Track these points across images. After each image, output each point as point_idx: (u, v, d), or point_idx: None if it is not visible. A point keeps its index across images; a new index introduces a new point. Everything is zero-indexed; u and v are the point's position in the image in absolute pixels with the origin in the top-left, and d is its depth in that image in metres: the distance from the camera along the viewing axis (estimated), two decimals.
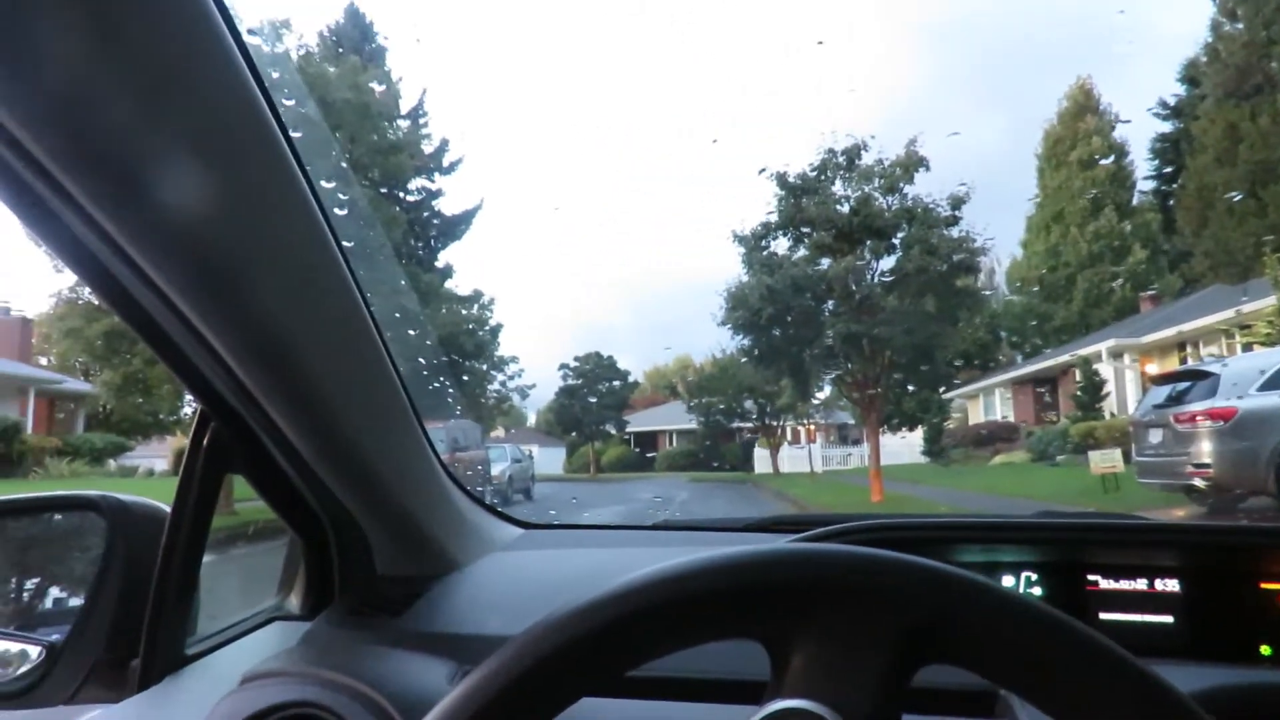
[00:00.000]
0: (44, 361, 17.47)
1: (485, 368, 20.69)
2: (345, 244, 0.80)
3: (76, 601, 1.10)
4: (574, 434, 30.30)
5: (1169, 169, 27.04)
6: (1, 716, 0.97)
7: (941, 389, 19.02)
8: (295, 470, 0.99)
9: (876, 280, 13.93)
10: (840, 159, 14.12)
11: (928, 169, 14.00)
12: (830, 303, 14.07)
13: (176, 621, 0.98)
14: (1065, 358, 18.84)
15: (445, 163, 21.53)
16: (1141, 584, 1.03)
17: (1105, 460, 10.16)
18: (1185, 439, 7.73)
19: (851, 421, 24.70)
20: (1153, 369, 16.00)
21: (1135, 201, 27.84)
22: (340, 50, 18.44)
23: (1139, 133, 29.10)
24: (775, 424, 24.79)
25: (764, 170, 14.23)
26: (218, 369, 0.81)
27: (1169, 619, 1.01)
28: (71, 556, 1.25)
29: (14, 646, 1.05)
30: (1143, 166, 28.55)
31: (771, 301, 13.67)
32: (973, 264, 14.34)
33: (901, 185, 13.95)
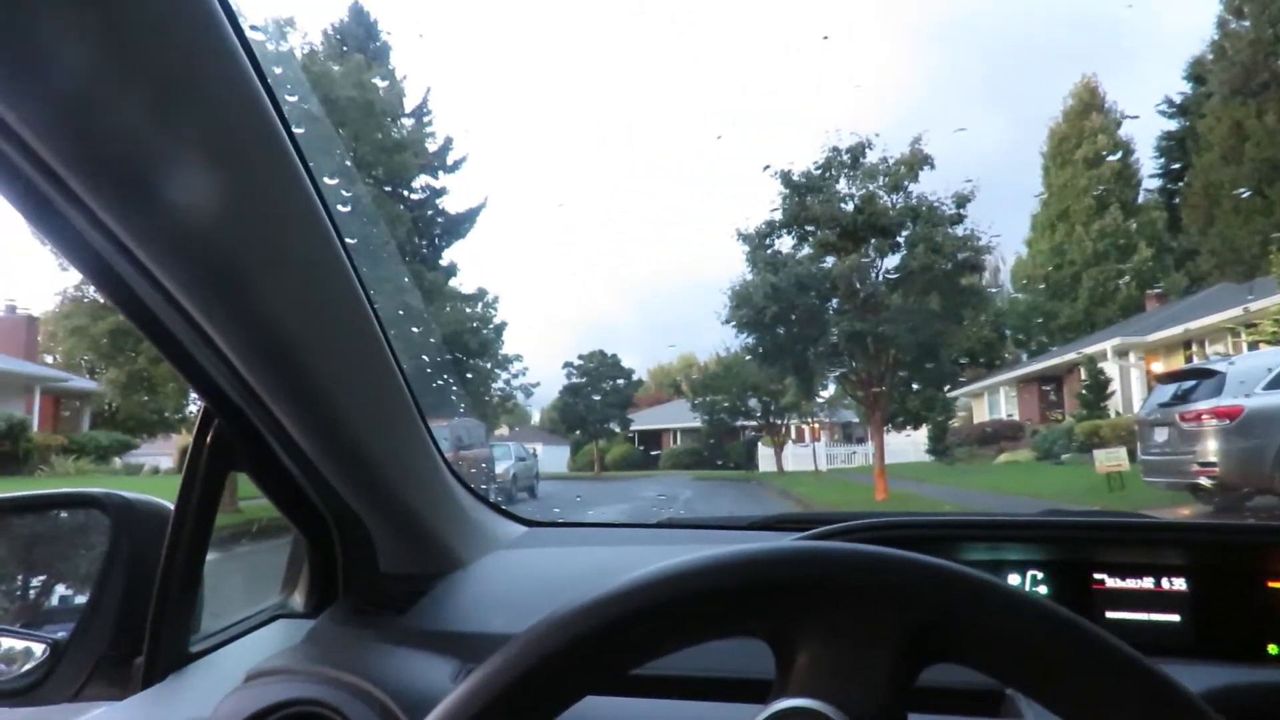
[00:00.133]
0: (50, 359, 17.54)
1: (489, 366, 20.72)
2: (349, 242, 0.80)
3: (81, 599, 1.10)
4: (578, 432, 30.32)
5: (1175, 167, 26.97)
6: (6, 714, 0.97)
7: (946, 387, 19.00)
8: (299, 468, 0.99)
9: (881, 278, 13.92)
10: (845, 157, 14.10)
11: (932, 167, 13.99)
12: (835, 301, 14.06)
13: (180, 619, 0.98)
14: (1070, 356, 18.79)
15: (449, 161, 21.60)
16: (1148, 583, 1.03)
17: (1110, 459, 10.15)
18: (1191, 438, 7.71)
19: (856, 420, 24.68)
20: (1158, 367, 15.95)
21: (1141, 199, 27.79)
22: (345, 48, 18.48)
23: (1145, 130, 29.03)
24: (780, 422, 24.78)
25: (768, 168, 14.23)
26: (221, 367, 0.81)
27: (1176, 618, 1.01)
28: (76, 554, 1.25)
29: (19, 644, 1.05)
30: (1148, 164, 28.53)
31: (776, 300, 13.66)
32: (978, 262, 14.31)
33: (906, 183, 13.93)
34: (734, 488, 18.44)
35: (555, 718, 0.46)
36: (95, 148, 0.57)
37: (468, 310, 19.94)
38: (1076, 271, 26.05)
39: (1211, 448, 7.47)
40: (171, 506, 0.98)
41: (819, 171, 14.14)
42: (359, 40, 19.87)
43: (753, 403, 24.49)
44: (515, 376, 22.21)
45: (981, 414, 23.74)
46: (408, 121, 20.11)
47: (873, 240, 13.74)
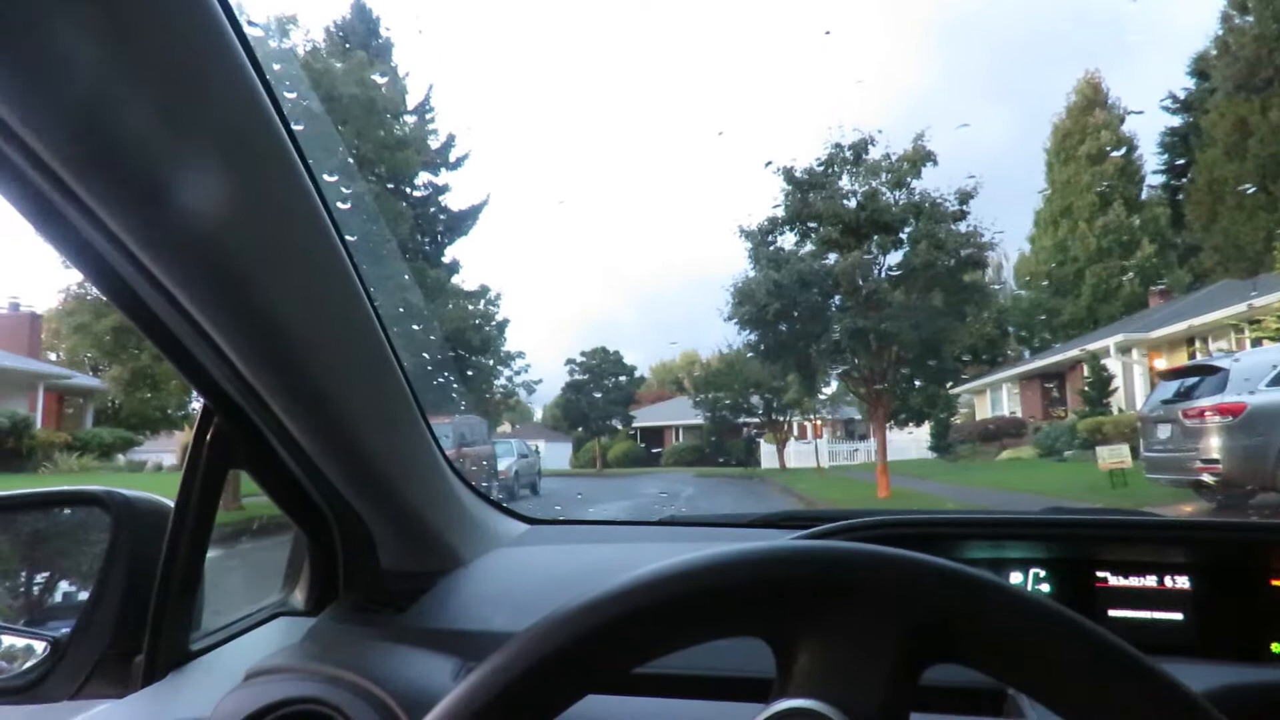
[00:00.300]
0: (53, 357, 17.59)
1: (492, 363, 20.73)
2: (349, 239, 0.80)
3: (83, 596, 1.10)
4: (580, 429, 30.33)
5: (1178, 163, 26.90)
6: (8, 712, 0.97)
7: (949, 384, 18.96)
8: (299, 466, 0.99)
9: (883, 275, 13.88)
10: (847, 153, 14.06)
11: (935, 163, 13.94)
12: (837, 298, 14.03)
13: (181, 617, 0.98)
14: (1073, 353, 18.77)
15: (452, 158, 21.62)
16: (1151, 581, 1.02)
17: (1113, 456, 10.14)
18: (1194, 434, 7.70)
19: (858, 417, 24.67)
20: (1161, 364, 15.91)
21: (1144, 196, 27.70)
22: (347, 46, 18.46)
23: (1148, 127, 28.98)
24: (782, 419, 24.78)
25: (769, 164, 14.19)
26: (220, 365, 0.81)
27: (1178, 616, 1.01)
28: (77, 552, 1.25)
29: (20, 641, 1.05)
30: (1152, 160, 28.44)
31: (778, 297, 13.64)
32: (980, 259, 14.27)
33: (909, 180, 13.88)
34: (736, 485, 18.44)
35: (556, 716, 0.46)
36: (93, 147, 0.57)
37: (470, 307, 19.95)
38: (1079, 268, 26.00)
39: (1214, 445, 7.46)
40: (172, 504, 0.98)
41: (822, 168, 14.11)
42: (361, 37, 19.86)
43: (755, 400, 24.50)
44: (518, 373, 22.25)
45: (984, 411, 23.72)
46: (410, 119, 20.12)
47: (875, 237, 13.71)
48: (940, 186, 13.93)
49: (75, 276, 11.89)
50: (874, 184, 13.96)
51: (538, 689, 0.45)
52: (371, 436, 0.96)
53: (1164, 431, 8.33)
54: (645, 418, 32.04)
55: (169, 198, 0.61)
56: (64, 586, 1.27)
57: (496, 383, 21.56)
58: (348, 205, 0.92)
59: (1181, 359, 15.25)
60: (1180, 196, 25.28)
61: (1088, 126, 27.47)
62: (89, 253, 0.68)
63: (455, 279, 20.29)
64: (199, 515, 0.97)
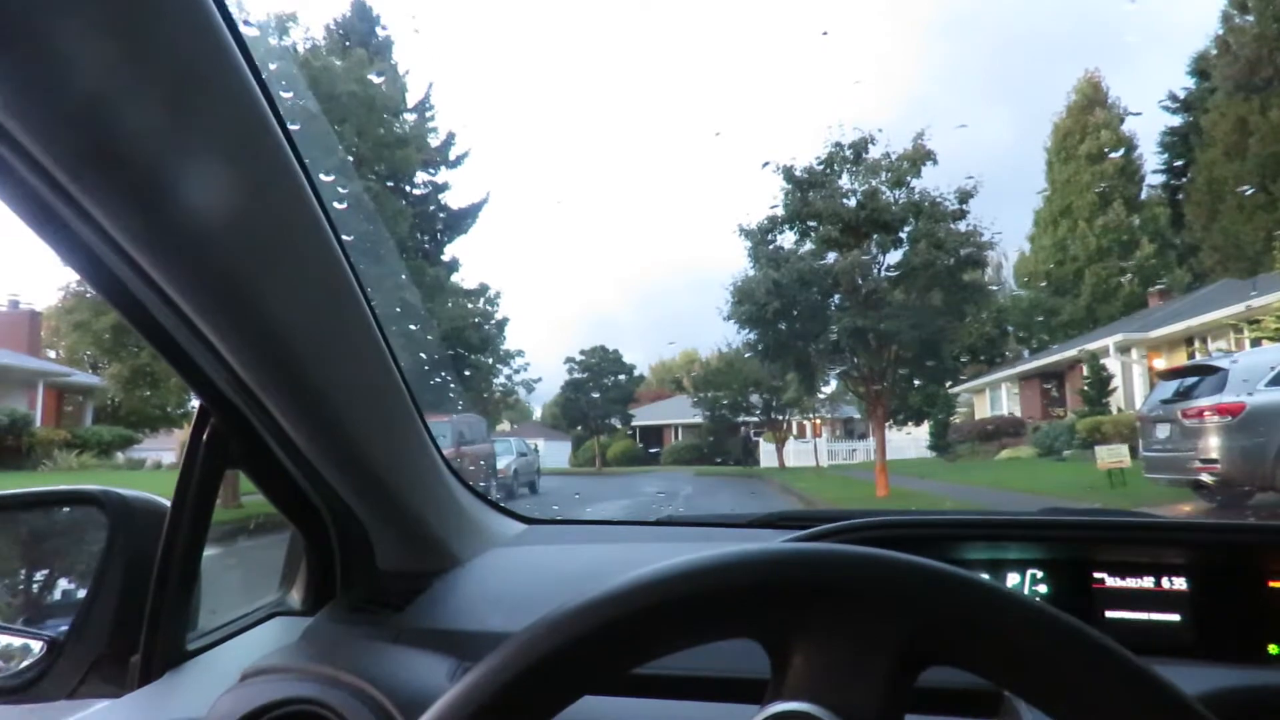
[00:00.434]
0: (52, 354, 17.56)
1: (491, 361, 20.70)
2: (346, 239, 0.80)
3: (80, 596, 1.10)
4: (579, 428, 30.30)
5: (1178, 163, 26.87)
6: (5, 711, 0.97)
7: (948, 384, 18.97)
8: (295, 465, 0.99)
9: (883, 274, 13.87)
10: (847, 152, 14.04)
11: (935, 163, 13.92)
12: (836, 297, 14.03)
13: (177, 617, 0.98)
14: (1072, 353, 18.76)
15: (452, 156, 21.57)
16: (1148, 582, 1.02)
17: (1112, 455, 10.14)
18: (1193, 434, 7.70)
19: (857, 416, 24.67)
20: (1160, 364, 15.92)
21: (1144, 195, 27.68)
22: (347, 44, 18.44)
23: (1148, 126, 28.97)
24: (781, 418, 24.77)
25: (767, 164, 14.17)
26: (216, 364, 0.81)
27: (1176, 617, 1.01)
28: (74, 551, 1.25)
29: (16, 641, 1.05)
30: (1152, 160, 28.42)
31: (777, 296, 13.63)
32: (980, 258, 14.26)
33: (909, 179, 13.87)
34: (735, 484, 18.44)
35: (552, 717, 0.46)
36: (87, 147, 0.57)
37: (470, 306, 19.93)
38: (1079, 268, 25.99)
39: (1213, 444, 7.45)
40: (168, 504, 0.98)
41: (821, 166, 14.10)
42: (361, 35, 19.83)
43: (754, 399, 24.47)
44: (517, 372, 22.20)
45: (983, 410, 23.71)
46: (410, 116, 20.08)
47: (875, 236, 13.70)
48: (940, 186, 13.93)
49: (74, 274, 11.87)
50: (874, 183, 13.94)
51: (534, 690, 0.45)
52: (368, 436, 0.96)
53: (1163, 431, 8.33)
54: (644, 416, 32.02)
55: (163, 198, 0.61)
56: (61, 586, 1.27)
57: (496, 381, 21.54)
58: (344, 205, 0.92)
59: (1181, 359, 15.25)
60: (1180, 196, 25.28)
61: (1088, 126, 27.44)
62: (84, 253, 0.68)
63: (455, 277, 20.27)
64: (195, 515, 0.97)
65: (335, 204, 0.78)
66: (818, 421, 26.23)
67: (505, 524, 1.43)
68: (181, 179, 0.61)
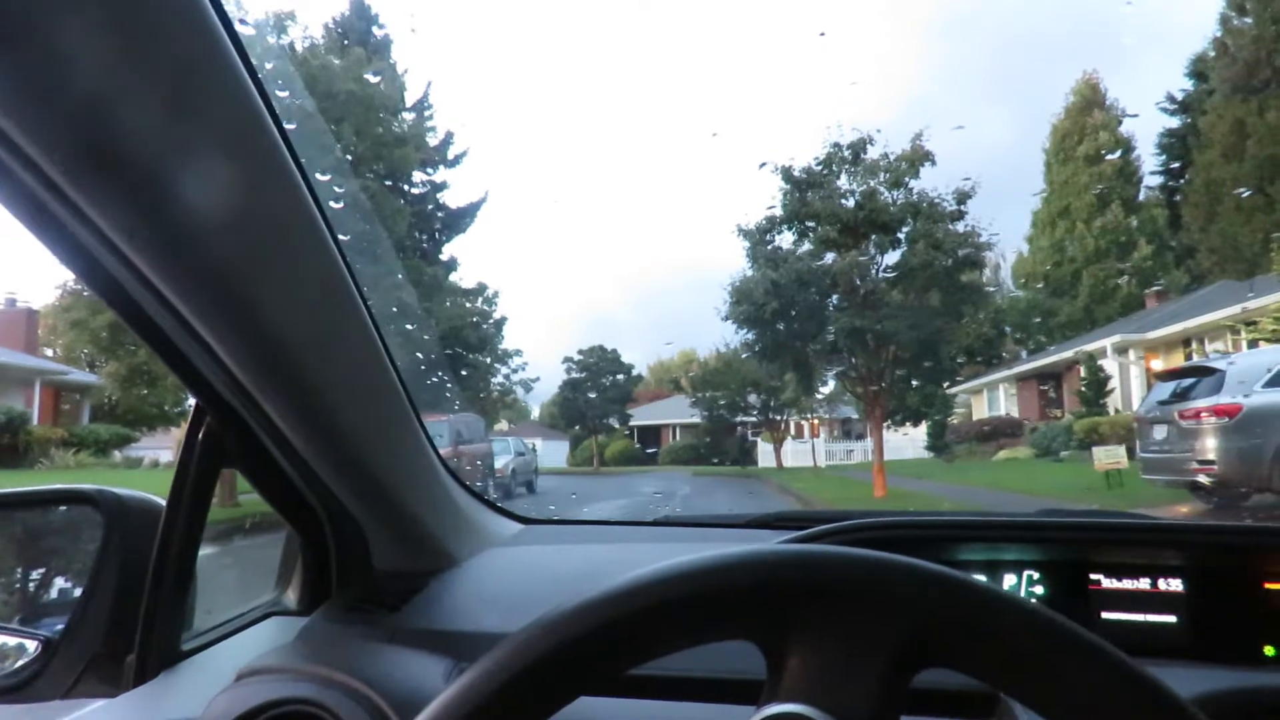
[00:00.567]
0: (50, 353, 17.54)
1: (489, 361, 20.70)
2: (342, 238, 0.80)
3: (75, 595, 1.10)
4: (577, 428, 30.30)
5: (1176, 164, 26.91)
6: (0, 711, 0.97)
7: (945, 384, 18.97)
8: (291, 465, 0.99)
9: (881, 275, 13.89)
10: (845, 153, 14.06)
11: (933, 163, 13.93)
12: (834, 297, 14.04)
13: (172, 616, 0.98)
14: (1070, 354, 18.78)
15: (450, 155, 21.57)
16: (1144, 583, 1.02)
17: (1109, 456, 10.15)
18: (1190, 435, 7.71)
19: (855, 416, 24.67)
20: (1158, 365, 15.94)
21: (1141, 197, 27.72)
22: (345, 43, 18.42)
23: (1146, 128, 28.97)
24: (779, 418, 24.78)
25: (764, 165, 14.18)
26: (211, 363, 0.81)
27: (1172, 619, 1.01)
28: (69, 551, 1.25)
29: (11, 640, 1.05)
30: (1149, 161, 28.47)
31: (776, 296, 13.64)
32: (978, 259, 14.28)
33: (907, 180, 13.89)
34: (732, 484, 18.45)
35: (548, 718, 0.46)
36: (82, 146, 0.57)
37: (468, 305, 19.93)
38: (1077, 269, 26.01)
39: (1210, 446, 7.46)
40: (164, 503, 0.98)
41: (820, 167, 14.11)
42: (359, 34, 19.82)
43: (752, 399, 24.47)
44: (515, 371, 22.21)
45: (981, 411, 23.73)
46: (408, 116, 20.07)
47: (873, 236, 13.71)
48: (938, 186, 13.95)
49: (71, 273, 11.84)
50: (872, 183, 13.96)
51: (530, 690, 0.45)
52: (365, 435, 0.96)
53: (1160, 432, 8.34)
54: (642, 416, 32.02)
55: (159, 197, 0.61)
56: (56, 585, 1.27)
57: (494, 381, 21.54)
58: (341, 204, 0.92)
59: (1178, 360, 15.28)
60: (1178, 198, 25.29)
61: (1086, 127, 27.47)
62: (80, 252, 0.68)
63: (453, 276, 20.26)
64: (191, 514, 0.97)
65: (332, 203, 0.78)
66: (815, 422, 26.24)
67: (502, 524, 1.43)
68: (177, 178, 0.60)
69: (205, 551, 1.02)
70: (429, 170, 20.91)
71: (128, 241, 0.64)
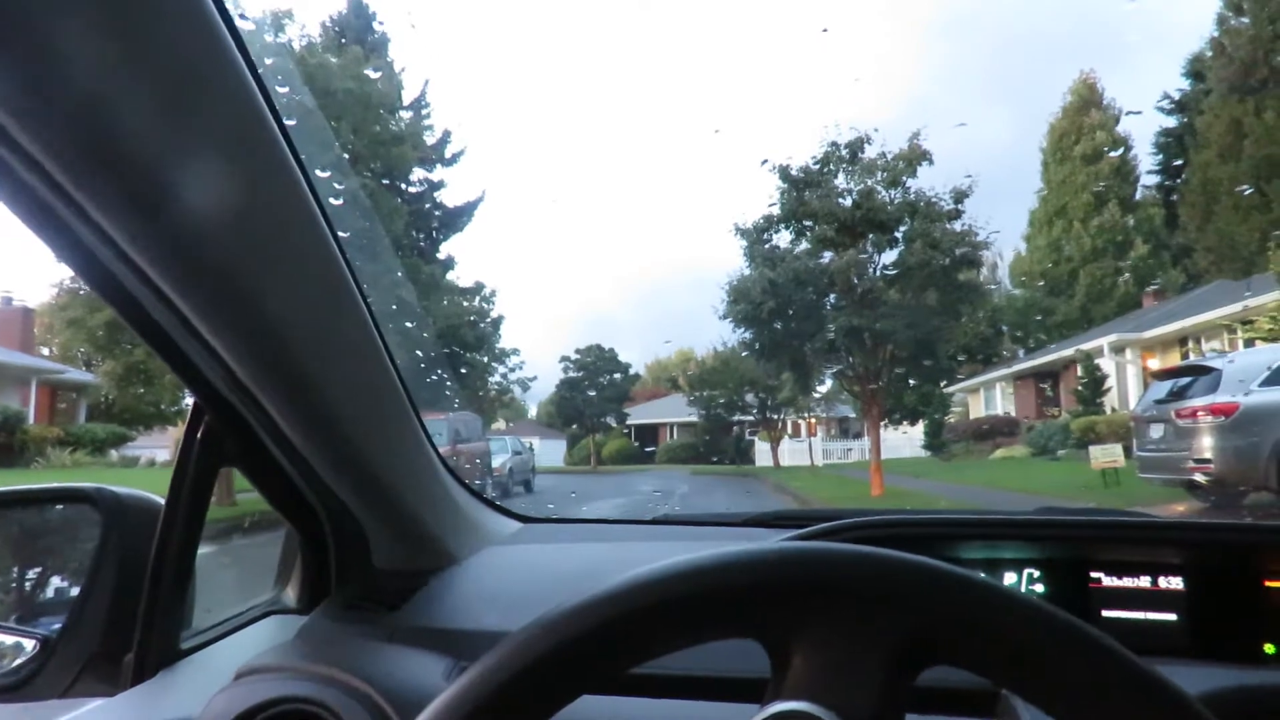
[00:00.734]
0: (46, 352, 17.50)
1: (487, 360, 20.71)
2: (341, 235, 0.79)
3: (73, 594, 1.09)
4: (575, 427, 30.30)
5: (1173, 164, 26.93)
6: None
7: (943, 383, 18.99)
8: (290, 463, 0.99)
9: (878, 274, 13.90)
10: (843, 152, 14.08)
11: (931, 163, 13.96)
12: (832, 296, 14.05)
13: (171, 615, 0.98)
14: (1067, 352, 18.82)
15: (447, 154, 21.56)
16: (1145, 581, 1.02)
17: (1106, 455, 10.16)
18: (1187, 434, 7.72)
19: (852, 415, 24.71)
20: (1155, 364, 15.97)
21: (1139, 196, 27.75)
22: (343, 41, 18.39)
23: (1143, 127, 29.01)
24: (776, 417, 24.79)
25: (765, 162, 14.20)
26: (210, 361, 0.80)
27: (1172, 617, 1.01)
28: (67, 549, 1.25)
29: (9, 639, 1.05)
30: (1147, 161, 28.49)
31: (773, 295, 13.66)
32: (975, 258, 14.30)
33: (904, 179, 13.91)
34: (730, 483, 18.45)
35: (549, 717, 0.46)
36: (83, 144, 0.57)
37: (465, 304, 19.93)
38: (1074, 268, 26.05)
39: (1207, 444, 7.47)
40: (162, 501, 0.98)
41: (817, 166, 14.12)
42: (357, 32, 19.78)
43: (750, 398, 24.50)
44: (512, 370, 22.21)
45: (978, 410, 23.76)
46: (406, 114, 20.05)
47: (870, 236, 13.72)
48: (936, 186, 13.99)
49: (68, 272, 11.82)
50: (870, 183, 13.98)
51: (531, 689, 0.45)
52: (364, 434, 0.96)
53: (1157, 431, 8.35)
54: (640, 415, 32.02)
55: (159, 194, 0.61)
56: (54, 584, 1.27)
57: (491, 380, 21.54)
58: (340, 201, 0.92)
59: (1175, 359, 15.29)
60: (1175, 197, 25.32)
61: (1083, 127, 27.50)
62: (79, 249, 0.67)
63: (450, 275, 20.26)
64: (189, 513, 0.96)
65: (331, 200, 0.77)
66: (813, 421, 26.24)
67: (501, 522, 1.42)
68: (177, 175, 0.60)
69: (204, 550, 1.01)
70: (426, 169, 20.91)
71: (127, 238, 0.64)
